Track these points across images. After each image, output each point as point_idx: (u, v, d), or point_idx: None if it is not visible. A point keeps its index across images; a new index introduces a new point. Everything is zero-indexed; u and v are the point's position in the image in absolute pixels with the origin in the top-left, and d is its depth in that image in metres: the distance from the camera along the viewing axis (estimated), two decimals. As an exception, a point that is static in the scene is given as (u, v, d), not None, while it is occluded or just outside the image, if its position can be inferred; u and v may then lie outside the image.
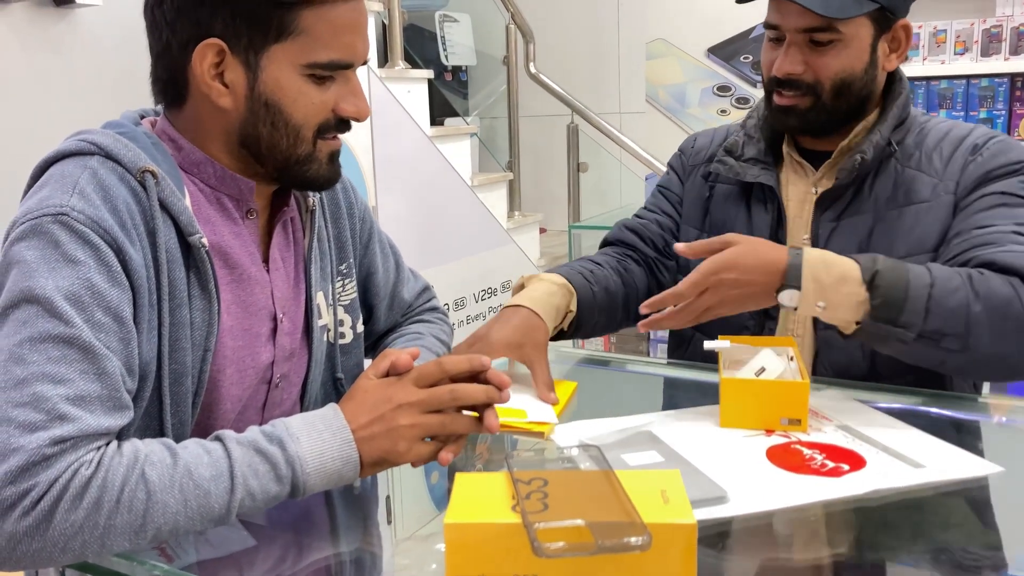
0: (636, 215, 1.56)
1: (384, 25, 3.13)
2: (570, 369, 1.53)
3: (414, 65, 3.31)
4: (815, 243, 1.32)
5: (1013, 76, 3.60)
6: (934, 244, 1.27)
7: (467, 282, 3.22)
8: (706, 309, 1.15)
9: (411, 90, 3.00)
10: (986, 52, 3.59)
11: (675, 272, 1.51)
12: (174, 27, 0.94)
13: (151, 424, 0.94)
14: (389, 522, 1.07)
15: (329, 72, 0.96)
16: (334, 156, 1.02)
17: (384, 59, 3.10)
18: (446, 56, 4.07)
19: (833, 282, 1.10)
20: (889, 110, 1.31)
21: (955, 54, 3.64)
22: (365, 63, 1.01)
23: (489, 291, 3.36)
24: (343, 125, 1.00)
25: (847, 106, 1.30)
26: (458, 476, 0.79)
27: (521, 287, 1.33)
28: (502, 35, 3.87)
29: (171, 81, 0.98)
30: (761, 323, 1.35)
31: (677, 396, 1.41)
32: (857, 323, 1.11)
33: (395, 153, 2.80)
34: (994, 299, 1.09)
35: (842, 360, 1.30)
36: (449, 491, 1.10)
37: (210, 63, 0.93)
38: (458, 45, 4.12)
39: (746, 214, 1.39)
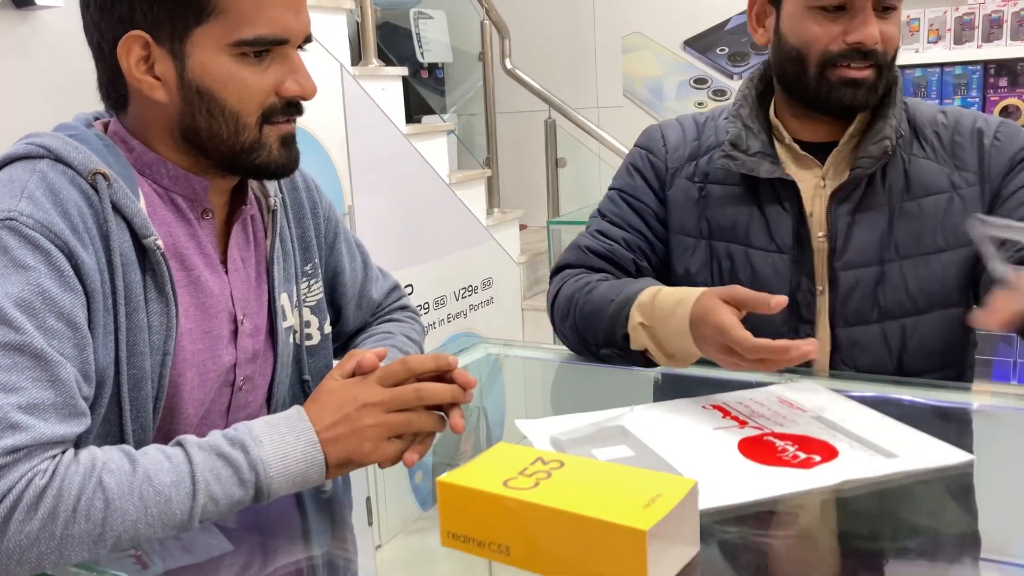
0: (599, 232, 1.40)
1: (357, 24, 3.11)
2: (556, 366, 1.52)
3: (388, 63, 3.29)
4: (833, 239, 1.26)
5: (986, 63, 3.62)
6: (964, 240, 1.25)
7: (447, 280, 3.21)
8: None
9: (385, 88, 2.98)
10: (959, 40, 3.60)
11: None
12: (100, 27, 0.93)
13: (111, 431, 0.92)
14: (370, 523, 1.06)
15: (259, 48, 0.93)
16: (287, 140, 0.98)
17: (357, 57, 3.08)
18: (422, 53, 4.04)
19: None
20: (892, 94, 1.27)
21: (928, 42, 3.65)
22: (308, 40, 0.97)
23: (470, 289, 3.35)
24: (292, 108, 0.97)
25: (891, 81, 1.27)
26: (499, 444, 0.83)
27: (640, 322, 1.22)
28: (477, 31, 3.85)
29: (111, 83, 0.96)
30: (795, 326, 1.29)
31: (666, 391, 1.38)
32: None
33: (371, 152, 2.79)
34: None
35: (866, 360, 1.27)
36: (433, 492, 1.09)
37: (137, 57, 0.91)
38: (434, 42, 4.09)
39: (760, 215, 1.30)
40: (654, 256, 1.40)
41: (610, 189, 1.45)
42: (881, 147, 1.24)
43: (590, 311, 1.30)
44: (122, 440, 0.92)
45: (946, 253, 1.26)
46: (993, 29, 3.54)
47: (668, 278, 1.41)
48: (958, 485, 0.96)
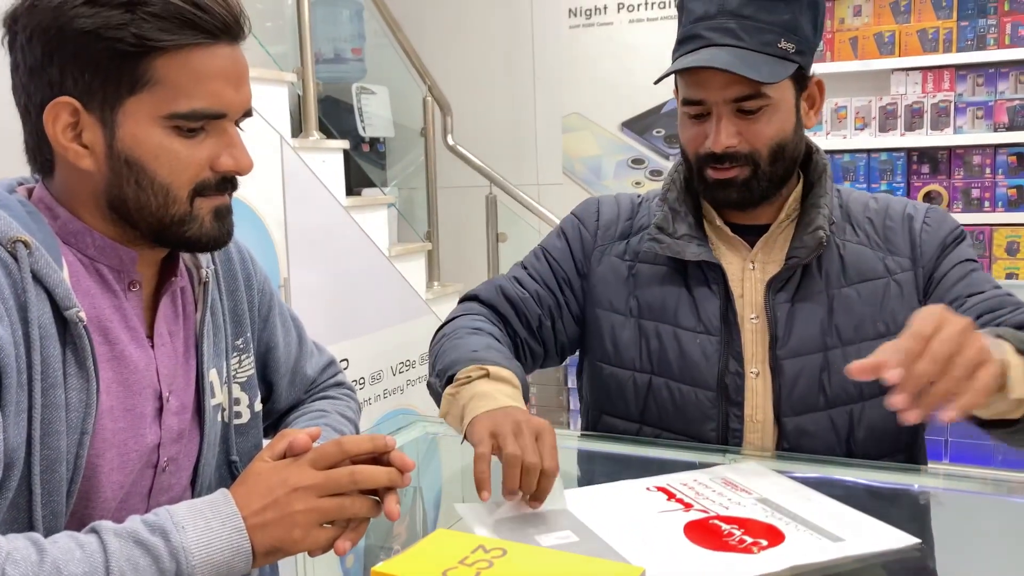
0: (516, 279, 1.42)
1: (299, 96, 3.10)
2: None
3: (330, 136, 3.28)
4: (773, 327, 1.26)
5: (909, 151, 3.78)
6: (902, 325, 1.25)
7: (384, 355, 3.15)
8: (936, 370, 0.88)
9: (326, 160, 2.96)
10: (883, 128, 3.76)
11: (541, 359, 1.42)
12: (28, 90, 0.89)
13: (19, 517, 0.85)
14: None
15: (195, 123, 0.90)
16: (220, 213, 0.95)
17: (298, 130, 3.07)
18: (363, 127, 4.05)
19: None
20: (823, 182, 1.30)
21: (855, 129, 3.80)
22: (248, 114, 0.95)
23: (407, 364, 3.30)
24: (225, 183, 0.94)
25: (783, 171, 1.27)
26: (438, 531, 0.79)
27: (485, 374, 1.16)
28: (420, 107, 3.88)
29: (37, 148, 0.92)
30: (725, 408, 1.28)
31: (609, 472, 1.36)
32: None
33: (309, 224, 2.75)
34: None
35: (815, 448, 1.25)
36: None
37: (65, 123, 0.88)
38: (375, 116, 4.11)
39: (688, 296, 1.31)
40: (560, 321, 1.41)
41: (539, 246, 1.48)
42: (815, 237, 1.25)
43: (455, 342, 1.28)
44: (31, 526, 0.85)
45: (887, 338, 1.21)
46: (915, 119, 3.71)
47: (578, 347, 1.44)
48: (905, 569, 0.95)
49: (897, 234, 1.30)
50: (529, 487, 0.98)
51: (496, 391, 1.13)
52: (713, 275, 1.30)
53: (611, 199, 1.47)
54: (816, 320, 1.27)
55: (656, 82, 1.28)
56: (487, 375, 1.16)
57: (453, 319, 1.38)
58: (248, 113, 0.95)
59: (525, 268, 1.44)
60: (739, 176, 1.24)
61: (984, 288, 1.24)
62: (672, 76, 1.26)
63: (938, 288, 1.27)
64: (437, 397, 1.24)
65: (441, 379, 1.22)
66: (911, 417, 0.88)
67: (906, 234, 1.30)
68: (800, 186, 1.33)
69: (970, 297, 1.23)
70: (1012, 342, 1.02)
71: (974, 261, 1.29)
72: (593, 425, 1.43)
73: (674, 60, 1.26)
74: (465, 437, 1.09)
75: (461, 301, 1.45)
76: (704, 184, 1.28)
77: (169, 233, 0.93)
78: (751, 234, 1.32)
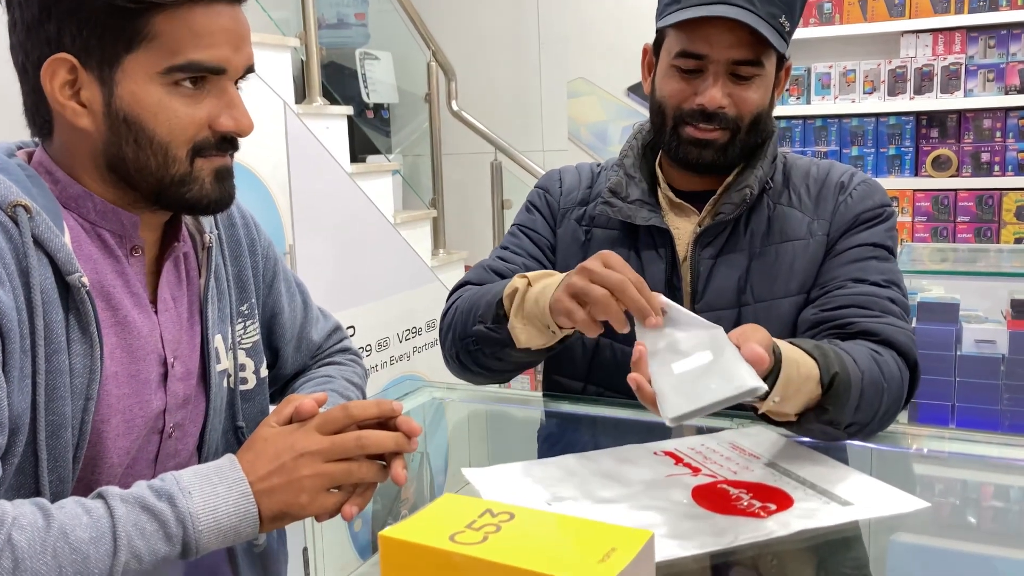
0: (500, 258, 1.42)
1: (302, 62, 3.07)
2: (500, 411, 1.49)
3: (333, 102, 3.25)
4: (695, 280, 1.29)
5: (918, 115, 3.74)
6: (810, 285, 1.27)
7: (390, 322, 3.15)
8: None
9: (330, 126, 2.95)
10: (892, 92, 3.71)
11: None
12: (26, 47, 0.88)
13: (25, 483, 0.85)
14: (308, 576, 1.00)
15: (194, 75, 0.88)
16: (221, 175, 0.94)
17: (302, 96, 3.04)
18: (367, 93, 4.02)
19: (800, 381, 0.99)
20: (766, 147, 1.31)
21: (864, 93, 3.76)
22: (249, 71, 0.93)
23: (413, 331, 3.30)
24: (226, 143, 0.93)
25: (754, 141, 1.29)
26: (445, 495, 0.78)
27: (527, 281, 1.18)
28: (424, 73, 3.85)
29: (35, 108, 0.91)
30: None
31: (616, 437, 1.35)
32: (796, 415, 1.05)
33: (314, 191, 2.74)
34: (893, 386, 1.12)
35: None
36: (373, 541, 1.04)
37: (62, 81, 0.87)
38: (379, 82, 4.08)
39: (637, 260, 1.32)
40: None
41: (512, 226, 1.49)
42: (741, 195, 1.27)
43: (475, 297, 1.27)
44: (38, 492, 0.86)
45: (793, 298, 1.28)
46: (924, 82, 3.66)
47: None
48: (914, 532, 0.95)
49: (827, 200, 1.31)
50: (636, 299, 0.99)
51: (549, 280, 1.14)
52: (661, 240, 1.31)
53: (572, 168, 1.49)
54: (734, 276, 1.28)
55: (661, 27, 1.27)
56: (528, 281, 1.16)
57: (457, 299, 1.36)
58: (250, 69, 0.93)
59: (506, 248, 1.45)
60: (719, 139, 1.26)
61: (870, 278, 1.23)
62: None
63: (831, 261, 1.27)
64: (490, 340, 1.22)
65: (487, 319, 1.21)
66: None
67: (833, 200, 1.31)
68: None
69: (851, 283, 1.23)
70: (819, 360, 1.02)
71: (882, 248, 1.27)
72: (545, 385, 1.45)
73: (674, 11, 1.23)
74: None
75: (451, 292, 1.42)
76: (678, 141, 1.28)
77: (169, 194, 0.92)
78: (700, 200, 1.32)
